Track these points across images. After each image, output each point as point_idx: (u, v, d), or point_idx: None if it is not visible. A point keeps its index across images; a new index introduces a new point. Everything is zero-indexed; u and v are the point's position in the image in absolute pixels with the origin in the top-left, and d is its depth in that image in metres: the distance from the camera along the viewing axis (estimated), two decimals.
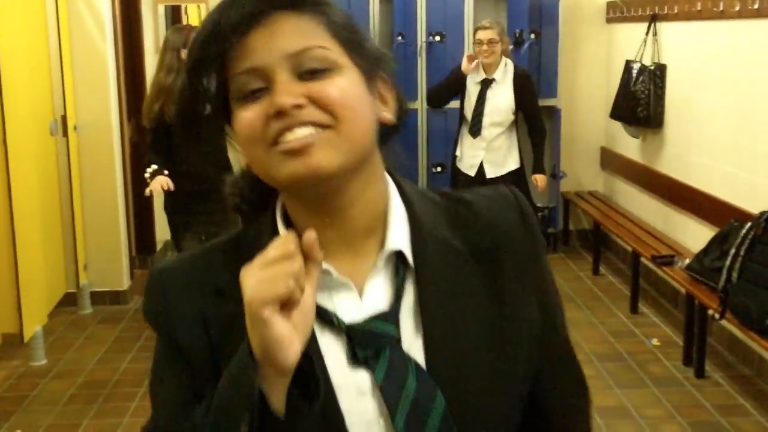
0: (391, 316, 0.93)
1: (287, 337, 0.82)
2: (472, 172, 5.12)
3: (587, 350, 4.56)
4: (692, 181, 4.95)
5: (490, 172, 5.06)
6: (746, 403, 3.91)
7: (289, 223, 0.96)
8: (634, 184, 5.96)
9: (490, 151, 5.09)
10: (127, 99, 5.90)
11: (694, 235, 4.84)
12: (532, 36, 6.15)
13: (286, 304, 0.82)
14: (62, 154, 5.09)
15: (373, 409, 0.91)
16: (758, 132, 4.18)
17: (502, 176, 5.02)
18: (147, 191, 4.13)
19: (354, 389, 0.92)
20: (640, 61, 5.47)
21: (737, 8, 4.30)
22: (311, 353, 0.86)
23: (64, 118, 5.06)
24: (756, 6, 4.10)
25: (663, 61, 5.34)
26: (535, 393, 1.01)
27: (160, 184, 4.06)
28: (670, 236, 5.17)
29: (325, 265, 0.91)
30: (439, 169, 6.31)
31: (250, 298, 0.82)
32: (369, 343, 0.92)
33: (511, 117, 5.06)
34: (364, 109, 0.90)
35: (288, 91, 0.86)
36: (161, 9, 6.45)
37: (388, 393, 0.90)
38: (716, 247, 4.06)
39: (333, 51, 0.90)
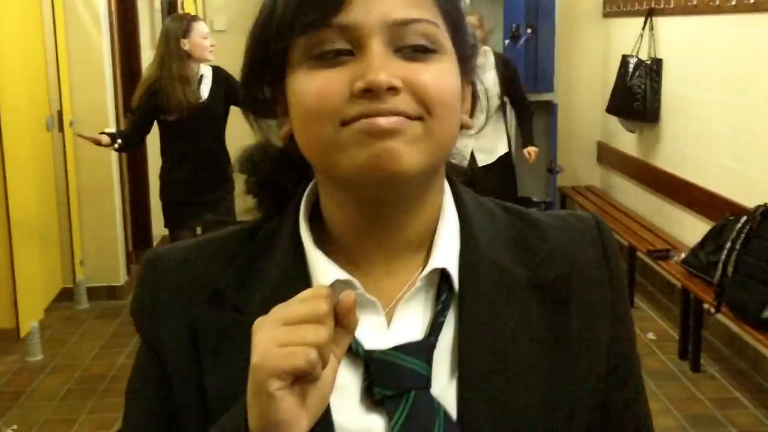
0: (424, 349, 0.75)
1: (294, 418, 0.65)
2: (463, 163, 5.10)
3: None
4: (688, 175, 4.96)
5: (482, 160, 5.05)
6: (741, 397, 3.92)
7: (316, 221, 0.80)
8: (630, 179, 5.96)
9: (479, 139, 5.06)
10: (123, 93, 5.89)
11: (690, 229, 4.85)
12: (529, 30, 6.15)
13: (302, 378, 0.65)
14: (58, 149, 5.09)
15: None
16: (754, 126, 4.18)
17: (492, 163, 4.99)
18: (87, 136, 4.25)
19: None
20: (637, 56, 5.47)
21: (733, 2, 4.30)
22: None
23: (60, 113, 5.05)
24: (752, 0, 4.10)
25: (659, 56, 5.34)
26: None
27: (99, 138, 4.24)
28: (666, 230, 5.18)
29: (348, 276, 0.76)
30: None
31: (259, 363, 0.64)
32: (391, 379, 0.73)
33: (497, 102, 5.05)
34: (457, 108, 0.76)
35: (386, 68, 0.70)
36: (157, 3, 6.44)
37: None
38: (712, 241, 4.06)
39: (441, 30, 0.74)
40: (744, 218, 3.78)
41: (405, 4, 0.72)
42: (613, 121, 5.97)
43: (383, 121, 0.69)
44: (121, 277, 5.48)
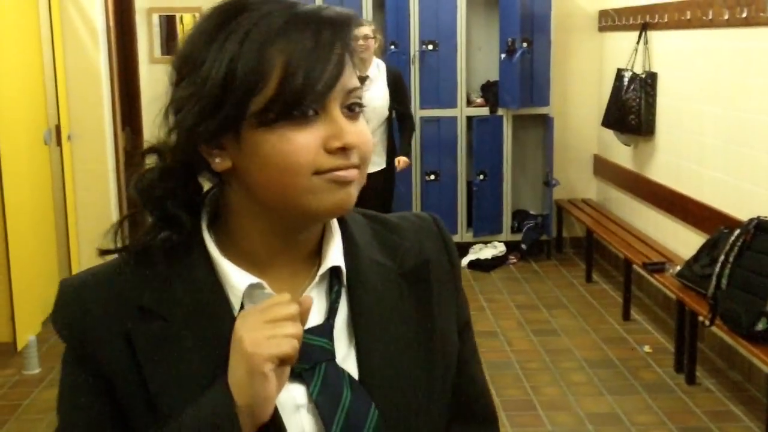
0: (326, 330, 0.94)
1: (274, 393, 0.85)
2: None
3: (579, 357, 4.57)
4: (683, 188, 4.98)
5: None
6: (736, 409, 3.93)
7: (215, 234, 0.95)
8: (626, 192, 5.99)
9: (380, 155, 5.07)
10: (121, 108, 5.92)
11: (684, 241, 4.87)
12: (524, 44, 6.18)
13: (285, 361, 0.86)
14: (56, 163, 5.11)
15: (309, 424, 0.92)
16: (748, 139, 4.21)
17: (375, 173, 4.90)
18: None
19: (290, 404, 0.92)
20: (632, 69, 5.51)
21: (726, 17, 4.33)
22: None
23: (57, 128, 5.08)
24: (744, 15, 4.14)
25: (654, 69, 5.37)
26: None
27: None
28: (661, 243, 5.20)
29: (258, 280, 0.93)
30: (432, 177, 6.34)
31: (253, 351, 0.84)
32: (304, 357, 0.90)
33: (386, 114, 5.05)
34: None
35: (353, 131, 0.89)
36: (155, 18, 6.47)
37: (323, 407, 0.91)
38: (706, 253, 4.08)
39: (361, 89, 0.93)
40: (737, 231, 3.80)
41: (352, 75, 0.90)
42: (609, 134, 6.00)
43: (349, 174, 0.89)
44: None
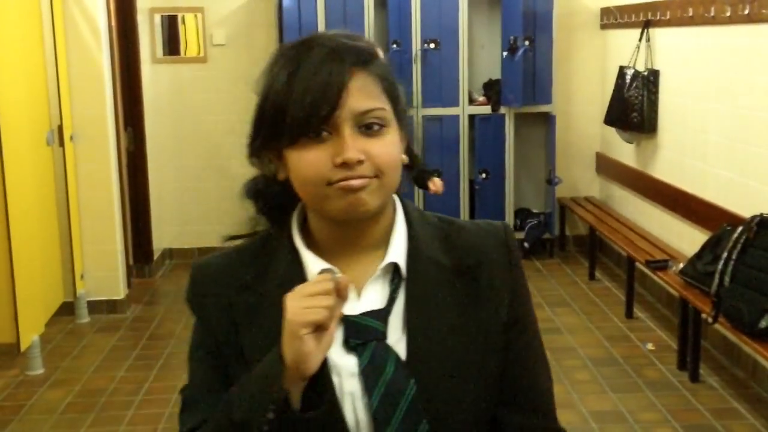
0: (382, 315, 1.13)
1: (313, 352, 1.05)
2: None
3: (583, 355, 4.57)
4: (686, 185, 4.98)
5: None
6: (740, 407, 3.92)
7: (305, 232, 1.19)
8: (629, 189, 5.98)
9: None
10: (124, 109, 5.93)
11: (688, 239, 4.86)
12: (527, 43, 6.18)
13: (318, 328, 1.05)
14: (59, 164, 5.11)
15: (358, 390, 1.12)
16: (750, 136, 4.20)
17: None
18: None
19: (347, 370, 1.12)
20: (634, 67, 5.50)
21: (728, 14, 4.33)
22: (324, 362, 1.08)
23: (60, 128, 5.08)
24: (746, 11, 4.13)
25: (656, 67, 5.36)
26: (497, 408, 1.19)
27: None
28: (665, 241, 5.19)
29: (329, 266, 1.14)
30: (435, 175, 6.33)
31: (292, 317, 1.04)
32: (359, 334, 1.12)
33: None
34: (399, 163, 1.13)
35: (354, 147, 1.06)
36: (157, 18, 6.48)
37: (367, 376, 1.11)
38: (709, 251, 4.07)
39: (386, 110, 1.10)
40: (740, 228, 3.80)
41: (365, 98, 1.08)
42: (612, 132, 5.99)
43: (354, 183, 1.07)
44: (121, 291, 5.50)
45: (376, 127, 1.09)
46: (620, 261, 5.91)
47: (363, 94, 1.08)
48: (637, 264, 5.04)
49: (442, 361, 1.13)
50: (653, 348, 4.64)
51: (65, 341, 5.02)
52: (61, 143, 5.10)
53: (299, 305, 1.04)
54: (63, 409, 4.11)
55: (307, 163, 1.07)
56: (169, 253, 6.69)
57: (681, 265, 4.34)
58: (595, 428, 3.77)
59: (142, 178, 6.20)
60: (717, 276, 3.77)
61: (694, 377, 4.19)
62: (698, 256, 4.16)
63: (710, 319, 3.80)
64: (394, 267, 1.15)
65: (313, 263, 1.15)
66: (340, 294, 1.06)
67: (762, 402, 3.90)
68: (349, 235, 1.15)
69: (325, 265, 1.14)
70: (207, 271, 1.21)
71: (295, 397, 1.07)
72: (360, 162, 1.07)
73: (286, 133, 1.08)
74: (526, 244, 6.44)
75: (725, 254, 3.78)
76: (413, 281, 1.15)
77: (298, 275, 1.15)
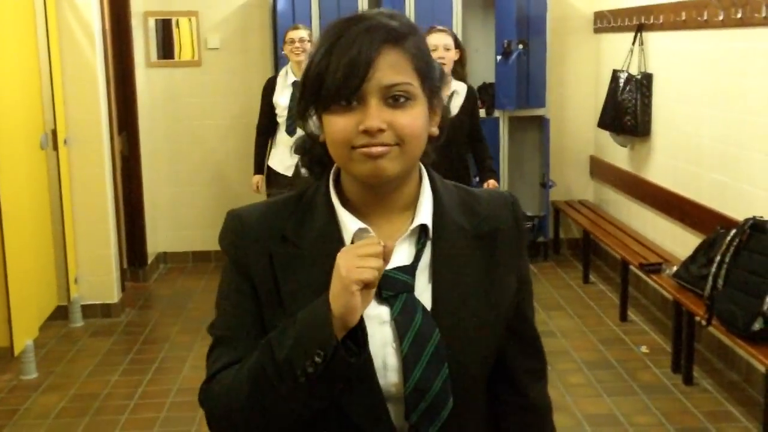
0: (410, 270, 1.25)
1: (360, 306, 1.14)
2: (289, 173, 5.17)
3: (577, 358, 4.58)
4: (679, 188, 4.99)
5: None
6: (734, 410, 3.93)
7: (339, 191, 1.29)
8: (622, 193, 5.99)
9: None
10: (118, 112, 5.92)
11: (681, 242, 4.88)
12: (521, 46, 6.19)
13: (366, 285, 1.14)
14: (52, 167, 5.10)
15: (389, 335, 1.23)
16: (743, 140, 4.22)
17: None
18: None
19: (377, 319, 1.23)
20: (627, 71, 5.52)
21: (721, 18, 4.34)
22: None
23: (54, 132, 5.07)
24: (739, 15, 4.15)
25: (649, 71, 5.38)
26: (504, 353, 1.36)
27: None
28: (658, 244, 5.20)
29: (364, 225, 1.25)
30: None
31: (346, 274, 1.13)
32: (391, 286, 1.23)
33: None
34: (424, 134, 1.23)
35: (377, 116, 1.17)
36: (151, 22, 6.47)
37: (400, 325, 1.23)
38: (703, 254, 4.08)
39: (414, 85, 1.20)
40: (733, 231, 3.81)
41: (392, 72, 1.19)
42: (605, 135, 6.01)
43: (374, 150, 1.18)
44: (115, 295, 5.49)
45: (402, 100, 1.19)
46: (614, 264, 5.92)
47: (391, 70, 1.18)
48: (631, 267, 5.05)
49: (462, 313, 1.26)
50: (647, 351, 4.65)
51: (59, 345, 5.00)
52: (55, 147, 5.09)
53: (353, 264, 1.13)
54: (57, 413, 4.10)
55: (337, 127, 1.19)
56: (164, 257, 6.69)
57: (675, 268, 4.35)
58: (589, 431, 3.77)
59: (136, 181, 6.19)
60: (710, 279, 3.78)
61: (688, 380, 4.20)
62: (692, 259, 4.17)
63: (704, 322, 3.81)
64: (421, 228, 1.27)
65: (349, 221, 1.26)
66: (385, 258, 1.15)
67: (755, 405, 3.90)
68: (378, 196, 1.26)
69: (361, 224, 1.25)
70: (248, 220, 1.30)
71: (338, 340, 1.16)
72: (382, 131, 1.17)
73: (321, 100, 1.19)
74: None
75: (719, 257, 3.79)
76: (439, 241, 1.27)
77: (336, 231, 1.26)
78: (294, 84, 5.08)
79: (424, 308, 1.24)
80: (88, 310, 5.39)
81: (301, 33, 5.13)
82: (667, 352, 4.53)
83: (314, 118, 1.26)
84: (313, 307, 1.17)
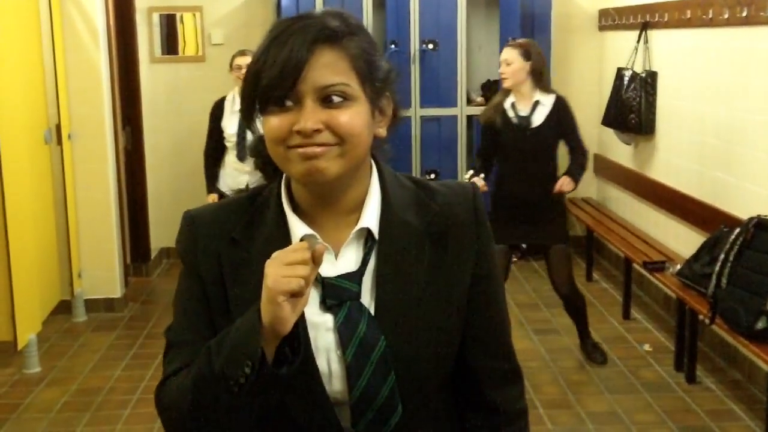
0: (356, 276, 1.23)
1: (288, 316, 1.11)
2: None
3: (579, 356, 4.57)
4: (683, 187, 4.98)
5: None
6: (736, 408, 3.93)
7: (290, 193, 1.27)
8: (626, 191, 5.98)
9: (254, 174, 4.98)
10: (122, 107, 5.92)
11: (684, 240, 4.87)
12: None
13: (294, 295, 1.11)
14: (56, 162, 5.11)
15: (333, 344, 1.22)
16: (748, 138, 4.21)
17: None
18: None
19: (323, 326, 1.22)
20: (632, 69, 5.51)
21: (726, 16, 4.33)
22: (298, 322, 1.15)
23: (58, 127, 5.08)
24: (744, 14, 4.14)
25: (654, 68, 5.37)
26: (465, 353, 1.31)
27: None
28: (662, 242, 5.20)
29: (312, 231, 1.23)
30: (432, 176, 6.33)
31: (272, 285, 1.09)
32: (336, 294, 1.22)
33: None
34: (365, 133, 1.20)
35: (311, 118, 1.14)
36: (155, 17, 6.47)
37: (343, 333, 1.21)
38: (706, 252, 4.08)
39: (351, 86, 1.17)
40: (737, 230, 3.80)
41: (328, 73, 1.16)
42: (609, 133, 6.00)
43: (309, 151, 1.15)
44: (118, 290, 5.50)
45: (337, 100, 1.16)
46: (617, 262, 5.91)
47: (327, 70, 1.15)
48: (635, 265, 5.05)
49: (409, 318, 1.23)
50: (650, 349, 4.65)
51: (62, 340, 5.01)
52: (59, 142, 5.09)
53: (278, 273, 1.10)
54: (59, 407, 4.10)
55: (271, 127, 1.17)
56: (167, 252, 6.69)
57: (678, 267, 4.34)
58: (591, 429, 3.77)
59: (139, 177, 6.20)
60: (714, 277, 3.78)
61: (691, 378, 4.20)
62: (695, 257, 4.16)
63: (707, 321, 3.80)
64: (368, 231, 1.24)
65: (297, 226, 1.24)
66: (316, 261, 1.12)
67: (758, 403, 3.90)
68: (324, 199, 1.23)
69: (308, 230, 1.23)
70: (199, 221, 1.29)
71: (269, 353, 1.13)
72: (318, 131, 1.15)
73: (259, 99, 1.17)
74: (523, 245, 6.44)
75: (722, 256, 3.78)
76: (384, 244, 1.24)
77: (284, 236, 1.24)
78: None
79: (369, 315, 1.22)
80: (91, 305, 5.40)
81: (248, 59, 5.03)
82: (670, 350, 4.52)
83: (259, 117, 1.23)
84: (246, 316, 1.15)
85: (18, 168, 4.43)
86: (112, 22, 5.64)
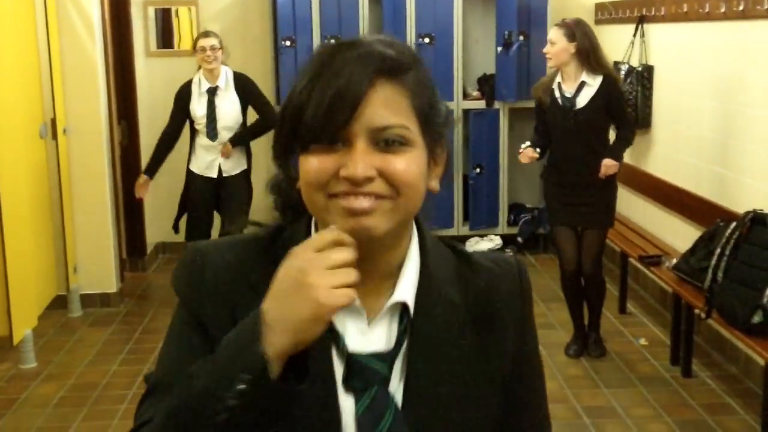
0: (389, 357, 1.03)
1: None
2: (210, 173, 5.17)
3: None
4: (679, 181, 4.98)
5: (227, 172, 5.17)
6: (733, 402, 3.93)
7: None
8: (622, 185, 5.96)
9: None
10: (117, 102, 5.90)
11: (681, 235, 4.87)
12: (521, 38, 6.18)
13: None
14: (52, 157, 5.10)
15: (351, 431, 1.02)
16: (744, 132, 4.21)
17: (236, 174, 5.19)
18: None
19: (345, 411, 1.02)
20: (628, 63, 5.50)
21: (723, 10, 4.33)
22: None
23: (53, 121, 5.06)
24: (741, 8, 4.13)
25: (650, 63, 5.37)
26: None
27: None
28: (658, 236, 5.20)
29: None
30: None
31: (324, 300, 0.89)
32: (364, 377, 1.02)
33: (240, 119, 5.14)
34: (422, 185, 1.02)
35: (364, 162, 0.96)
36: (151, 11, 6.45)
37: (363, 425, 1.01)
38: (703, 247, 4.08)
39: (411, 129, 0.99)
40: (734, 224, 3.81)
41: (386, 112, 0.97)
42: None
43: (357, 205, 0.96)
44: (114, 285, 5.49)
45: (396, 144, 0.98)
46: (614, 256, 5.91)
47: (385, 108, 0.98)
48: (631, 259, 5.05)
49: (439, 414, 1.05)
50: (646, 343, 4.66)
51: (58, 335, 5.01)
52: (55, 136, 5.08)
53: (328, 282, 0.89)
54: (56, 402, 4.10)
55: (312, 167, 0.98)
56: (162, 247, 6.68)
57: (674, 261, 4.35)
58: (587, 423, 3.78)
59: (135, 171, 6.16)
60: (710, 272, 3.78)
61: (687, 372, 4.21)
62: (692, 251, 4.17)
63: (703, 315, 3.81)
64: (404, 305, 1.05)
65: None
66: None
67: (754, 397, 3.91)
68: (364, 259, 0.98)
69: None
70: (209, 259, 1.07)
71: (277, 365, 0.90)
72: (370, 179, 0.97)
73: (300, 137, 0.99)
74: (519, 239, 6.45)
75: (719, 250, 3.79)
76: (421, 321, 1.05)
77: None
78: (209, 91, 5.06)
79: (396, 408, 1.03)
80: (87, 300, 5.39)
81: (212, 41, 5.04)
82: (666, 344, 4.53)
83: (292, 158, 1.04)
84: (244, 325, 0.94)
85: (13, 163, 4.42)
86: (107, 16, 5.62)
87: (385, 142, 0.97)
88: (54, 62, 5.01)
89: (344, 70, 0.97)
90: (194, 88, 5.11)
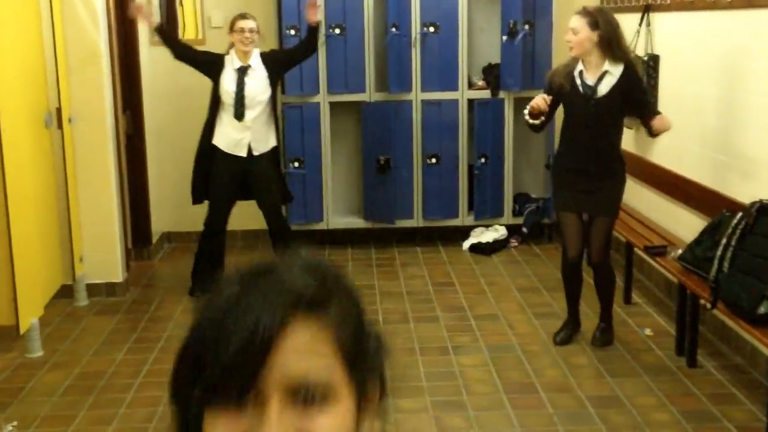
0: None
1: None
2: (237, 151, 5.19)
3: (580, 339, 4.58)
4: (684, 171, 4.97)
5: (257, 150, 5.21)
6: (738, 392, 3.94)
7: None
8: (627, 175, 5.96)
9: (256, 131, 5.20)
10: (122, 91, 5.90)
11: (686, 225, 4.86)
12: (526, 27, 6.16)
13: None
14: (57, 146, 5.10)
15: None
16: (750, 122, 4.19)
17: (266, 152, 5.24)
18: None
19: None
20: (634, 52, 5.48)
21: None
22: None
23: (58, 111, 5.06)
24: None
25: (656, 52, 5.35)
26: None
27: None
28: (663, 226, 5.19)
29: None
30: (434, 160, 6.33)
31: None
32: None
33: (269, 92, 5.18)
34: None
35: (281, 427, 0.78)
36: (155, 0, 6.44)
37: None
38: (708, 237, 4.08)
39: (335, 377, 0.82)
40: (740, 214, 3.80)
41: (304, 357, 0.80)
42: None
43: None
44: (120, 274, 5.50)
45: (316, 398, 0.80)
46: (619, 246, 5.90)
47: (302, 353, 0.80)
48: (636, 249, 5.05)
49: None
50: (651, 333, 4.66)
51: (64, 324, 5.02)
52: (60, 125, 5.08)
53: None
54: (62, 391, 4.12)
55: None
56: (168, 237, 6.69)
57: (680, 251, 4.34)
58: (592, 413, 3.78)
59: (140, 160, 6.19)
60: (716, 262, 3.78)
61: (692, 363, 4.21)
62: (697, 241, 4.16)
63: (708, 305, 3.81)
64: None
65: None
66: None
67: (759, 387, 3.91)
68: None
69: None
70: None
71: None
72: None
73: (201, 389, 0.80)
74: (524, 229, 6.45)
75: (724, 240, 3.78)
76: None
77: None
78: (240, 69, 5.11)
79: None
80: (92, 289, 5.40)
81: (251, 23, 5.10)
82: (671, 334, 4.53)
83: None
84: None
85: (19, 152, 4.43)
86: (111, 4, 5.61)
87: (304, 398, 0.79)
88: (58, 51, 5.01)
89: (254, 310, 0.79)
90: (227, 61, 5.17)
